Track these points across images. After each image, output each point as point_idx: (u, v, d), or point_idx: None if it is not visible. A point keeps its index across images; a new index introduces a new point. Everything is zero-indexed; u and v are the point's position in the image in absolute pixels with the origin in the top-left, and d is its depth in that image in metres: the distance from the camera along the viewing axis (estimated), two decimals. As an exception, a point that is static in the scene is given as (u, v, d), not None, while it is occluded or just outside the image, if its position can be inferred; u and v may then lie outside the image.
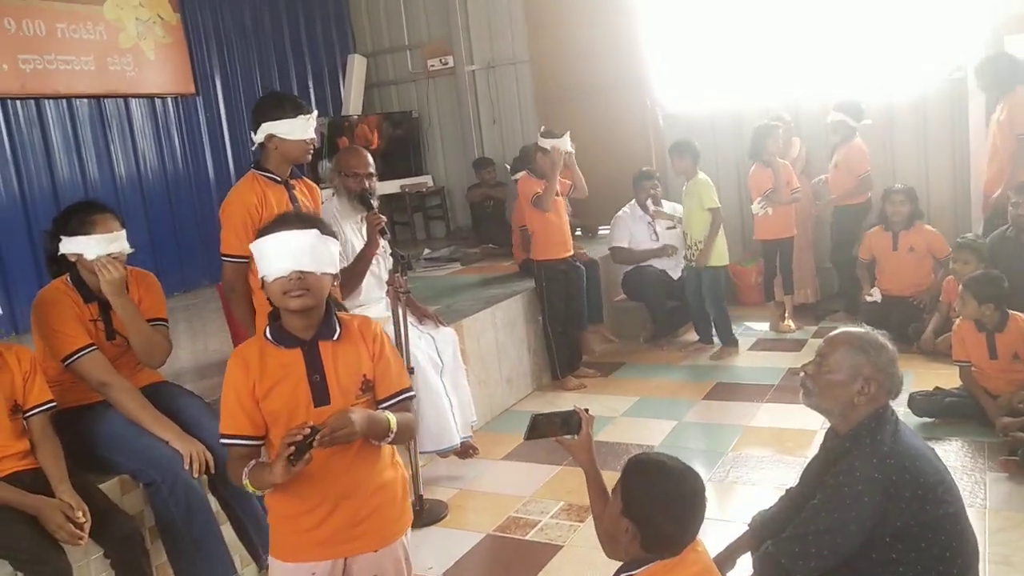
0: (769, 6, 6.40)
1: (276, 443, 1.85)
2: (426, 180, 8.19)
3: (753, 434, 4.05)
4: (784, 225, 5.58)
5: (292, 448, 1.73)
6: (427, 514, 3.50)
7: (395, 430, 1.92)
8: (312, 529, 1.92)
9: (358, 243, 3.65)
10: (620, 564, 1.78)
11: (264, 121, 2.98)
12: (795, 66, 6.36)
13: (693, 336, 5.62)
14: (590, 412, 2.04)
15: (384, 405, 1.97)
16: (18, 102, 5.45)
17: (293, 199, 3.07)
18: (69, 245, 2.68)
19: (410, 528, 2.06)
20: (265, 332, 1.93)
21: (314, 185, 3.29)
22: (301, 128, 2.98)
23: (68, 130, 5.76)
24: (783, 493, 2.44)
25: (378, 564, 1.98)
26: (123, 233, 2.73)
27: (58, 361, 2.67)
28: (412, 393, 2.04)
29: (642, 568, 1.70)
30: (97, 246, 2.66)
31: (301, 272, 1.84)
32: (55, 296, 2.74)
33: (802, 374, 2.20)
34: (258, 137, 3.02)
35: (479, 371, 4.49)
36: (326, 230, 1.93)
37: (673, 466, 1.73)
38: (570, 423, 1.99)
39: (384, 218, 3.54)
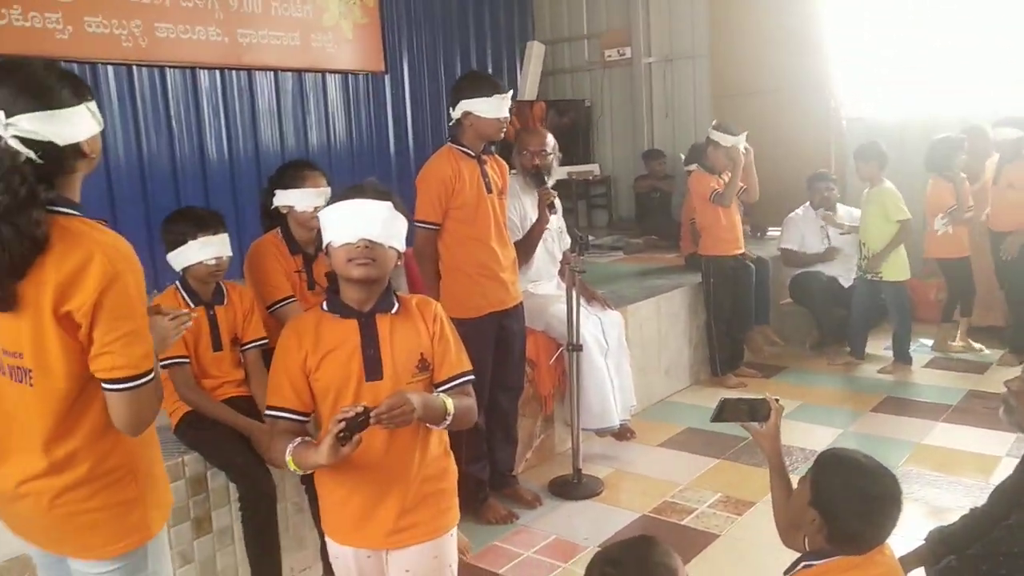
0: (977, 9, 5.97)
1: (325, 420, 1.78)
2: (593, 168, 8.23)
3: (925, 452, 3.86)
4: (957, 244, 5.20)
5: (343, 424, 1.61)
6: (583, 488, 3.59)
7: (452, 413, 1.82)
8: (359, 517, 1.84)
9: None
10: (801, 553, 1.78)
11: (462, 99, 3.12)
12: (998, 74, 5.90)
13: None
14: (780, 402, 2.03)
15: (442, 388, 1.87)
16: (234, 72, 5.96)
17: (484, 174, 3.21)
18: (282, 198, 2.96)
19: (456, 526, 1.96)
20: (321, 304, 1.88)
21: (503, 162, 3.42)
22: (495, 107, 3.11)
23: (273, 100, 6.24)
24: (965, 512, 2.34)
25: (416, 560, 1.87)
26: (329, 190, 2.97)
27: (264, 307, 2.95)
28: (472, 377, 1.94)
29: (825, 560, 1.70)
30: (305, 199, 2.92)
31: (370, 241, 1.77)
32: (266, 248, 3.01)
33: (1005, 390, 2.10)
34: (456, 113, 3.16)
35: (639, 359, 4.52)
36: (399, 206, 1.87)
37: (869, 464, 1.71)
38: (759, 411, 1.99)
39: (555, 193, 3.63)
